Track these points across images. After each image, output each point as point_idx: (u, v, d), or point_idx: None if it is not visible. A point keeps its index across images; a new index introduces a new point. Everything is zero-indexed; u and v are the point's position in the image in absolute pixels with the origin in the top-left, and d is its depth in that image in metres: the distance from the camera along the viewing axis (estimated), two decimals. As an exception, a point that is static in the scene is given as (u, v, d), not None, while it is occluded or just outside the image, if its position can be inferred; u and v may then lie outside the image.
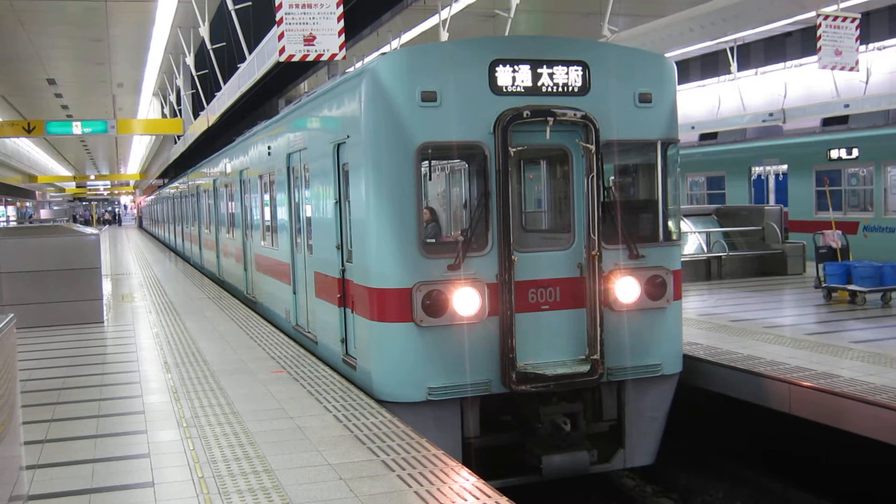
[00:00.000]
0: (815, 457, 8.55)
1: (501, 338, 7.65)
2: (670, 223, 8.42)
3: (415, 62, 7.77)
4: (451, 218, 10.61)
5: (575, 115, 7.73)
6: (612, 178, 8.52)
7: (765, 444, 9.17)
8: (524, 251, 7.84)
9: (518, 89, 7.77)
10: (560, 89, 7.88)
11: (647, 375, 8.28)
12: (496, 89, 7.71)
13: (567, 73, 7.90)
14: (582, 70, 7.93)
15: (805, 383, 8.09)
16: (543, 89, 7.84)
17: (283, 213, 11.80)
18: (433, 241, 8.45)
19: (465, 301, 7.58)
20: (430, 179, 8.06)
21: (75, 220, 75.01)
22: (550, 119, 7.68)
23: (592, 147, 7.78)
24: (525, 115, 7.63)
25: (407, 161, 7.54)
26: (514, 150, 7.64)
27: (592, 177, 7.79)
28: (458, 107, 7.61)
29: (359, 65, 9.12)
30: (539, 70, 7.83)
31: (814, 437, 8.15)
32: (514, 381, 7.58)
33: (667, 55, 13.80)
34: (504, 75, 7.74)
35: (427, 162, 7.65)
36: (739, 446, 9.46)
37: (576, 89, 7.92)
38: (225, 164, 18.24)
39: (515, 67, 7.77)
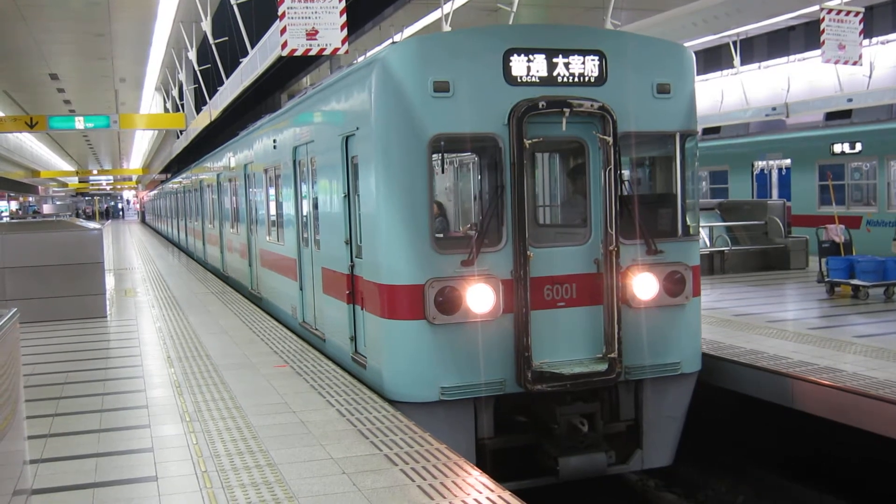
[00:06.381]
0: (818, 451, 8.56)
1: (516, 336, 7.43)
2: (689, 217, 8.22)
3: (427, 51, 7.53)
4: (459, 212, 10.45)
5: (592, 105, 7.49)
6: (630, 170, 8.32)
7: (768, 439, 9.18)
8: (539, 246, 7.63)
9: (533, 79, 7.53)
10: (576, 79, 7.65)
11: (666, 374, 8.06)
12: (510, 79, 7.48)
13: (583, 63, 7.67)
14: (598, 60, 7.71)
15: (809, 378, 8.08)
16: (559, 79, 7.61)
17: (289, 208, 11.61)
18: (440, 235, 8.33)
19: (479, 298, 7.36)
20: (443, 172, 7.81)
21: (78, 216, 75.04)
22: (567, 110, 7.43)
23: (610, 139, 7.53)
24: (541, 106, 7.38)
25: (419, 153, 7.32)
26: (530, 142, 7.42)
27: (610, 170, 7.54)
28: (472, 97, 7.38)
29: (361, 59, 9.00)
30: (555, 59, 7.60)
31: (816, 432, 8.15)
32: (529, 380, 7.35)
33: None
34: (519, 65, 7.51)
35: (439, 154, 7.47)
36: (747, 442, 9.46)
37: (592, 79, 7.68)
38: (229, 159, 18.13)
39: (530, 57, 7.53)
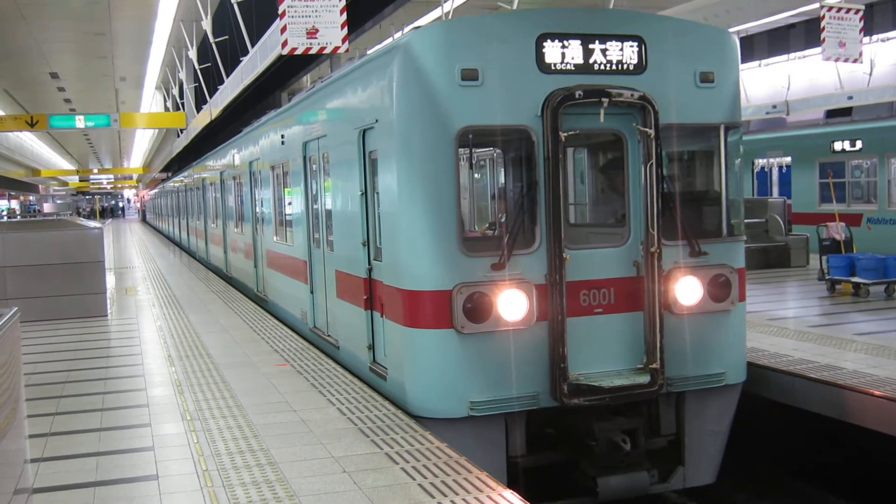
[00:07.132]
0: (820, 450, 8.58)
1: (551, 345, 6.89)
2: (733, 216, 7.69)
3: (454, 36, 6.96)
4: (474, 211, 10.12)
5: (632, 95, 6.97)
6: (670, 165, 7.76)
7: (772, 438, 9.18)
8: (575, 248, 7.06)
9: (568, 67, 7.01)
10: (614, 67, 7.12)
11: (710, 385, 7.50)
12: (544, 67, 6.95)
13: (621, 49, 7.15)
14: (637, 46, 7.19)
15: (810, 375, 8.09)
16: (595, 67, 7.08)
17: (298, 207, 11.06)
18: None
19: (511, 304, 6.80)
20: (471, 168, 7.34)
21: (79, 213, 75.08)
22: (605, 100, 6.91)
23: (651, 131, 7.02)
24: (577, 96, 6.85)
25: (445, 147, 6.75)
26: (566, 134, 6.86)
27: (651, 165, 7.02)
28: (502, 86, 6.85)
29: (361, 58, 8.85)
30: (591, 45, 7.07)
31: (819, 430, 8.16)
32: (565, 393, 6.81)
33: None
34: (552, 51, 6.99)
35: (467, 148, 6.87)
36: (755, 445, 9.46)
37: (631, 67, 7.17)
38: (233, 156, 17.84)
39: (565, 42, 7.01)
